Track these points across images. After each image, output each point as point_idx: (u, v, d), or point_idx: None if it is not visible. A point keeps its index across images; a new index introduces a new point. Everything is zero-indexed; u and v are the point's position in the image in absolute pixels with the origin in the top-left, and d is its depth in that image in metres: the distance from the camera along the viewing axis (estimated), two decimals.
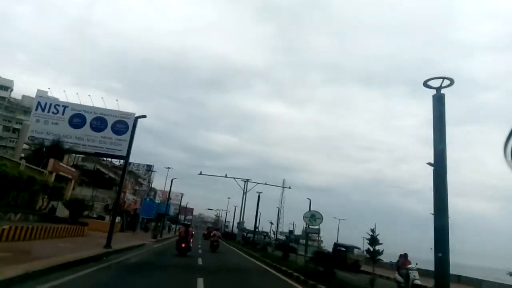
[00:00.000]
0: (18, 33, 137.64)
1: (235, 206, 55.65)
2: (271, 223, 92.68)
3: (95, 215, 34.20)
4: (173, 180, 34.70)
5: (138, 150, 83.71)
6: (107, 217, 35.22)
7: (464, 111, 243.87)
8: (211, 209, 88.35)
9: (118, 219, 35.51)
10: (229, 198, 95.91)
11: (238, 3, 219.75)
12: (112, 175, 41.97)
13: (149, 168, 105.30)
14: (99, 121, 48.45)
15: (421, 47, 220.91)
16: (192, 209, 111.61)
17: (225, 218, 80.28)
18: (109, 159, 49.08)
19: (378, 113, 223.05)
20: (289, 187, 40.49)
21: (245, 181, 41.92)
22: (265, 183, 42.12)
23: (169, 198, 38.02)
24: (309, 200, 38.23)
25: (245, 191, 41.33)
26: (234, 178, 41.72)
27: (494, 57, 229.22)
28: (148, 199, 32.29)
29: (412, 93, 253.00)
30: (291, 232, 73.23)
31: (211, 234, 31.28)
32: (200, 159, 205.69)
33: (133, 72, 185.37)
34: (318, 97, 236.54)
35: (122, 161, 48.96)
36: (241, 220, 43.84)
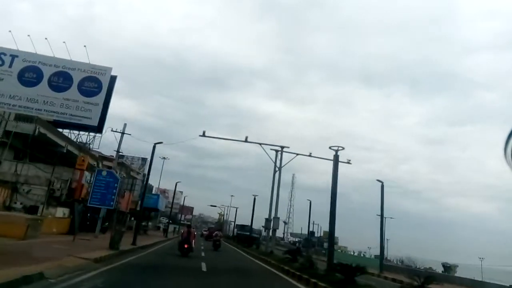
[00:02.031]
0: (16, 31, 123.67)
1: (255, 196, 39.29)
2: (285, 222, 77.63)
3: (19, 205, 18.97)
4: (157, 144, 19.47)
5: (136, 146, 69.20)
6: (51, 209, 19.95)
7: (464, 110, 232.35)
8: (214, 206, 72.82)
9: (64, 212, 20.25)
10: (232, 196, 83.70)
11: (237, 1, 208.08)
12: (72, 149, 26.70)
13: (144, 162, 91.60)
14: (61, 77, 32.76)
15: (421, 46, 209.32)
16: (192, 208, 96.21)
17: (235, 217, 64.08)
18: (76, 131, 33.74)
19: (378, 113, 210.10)
20: (349, 162, 24.54)
21: (277, 151, 25.25)
22: (309, 155, 26.30)
23: (150, 169, 22.46)
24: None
25: (278, 166, 25.06)
26: (260, 144, 25.14)
27: (493, 56, 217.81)
28: (105, 172, 17.20)
29: (412, 93, 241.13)
30: (312, 233, 56.76)
31: (213, 234, 31.49)
32: (199, 158, 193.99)
33: (133, 70, 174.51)
34: (317, 97, 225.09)
35: (95, 134, 33.61)
36: (273, 216, 24.92)
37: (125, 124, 24.40)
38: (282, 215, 77.60)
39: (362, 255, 56.01)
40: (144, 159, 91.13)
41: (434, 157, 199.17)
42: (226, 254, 24.20)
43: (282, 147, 24.94)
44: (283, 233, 78.30)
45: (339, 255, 45.28)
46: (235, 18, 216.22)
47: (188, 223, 51.46)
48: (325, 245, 58.01)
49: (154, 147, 19.51)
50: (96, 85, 33.52)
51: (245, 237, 39.39)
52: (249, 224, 41.23)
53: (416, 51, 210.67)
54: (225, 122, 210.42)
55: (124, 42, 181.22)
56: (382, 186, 22.95)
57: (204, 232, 65.84)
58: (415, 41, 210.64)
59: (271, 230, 24.91)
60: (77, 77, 33.61)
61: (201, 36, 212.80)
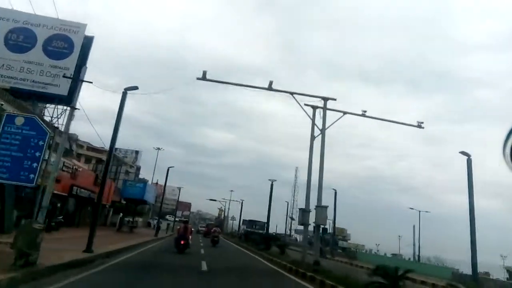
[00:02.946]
0: None
1: (272, 181, 30.90)
2: (292, 218, 70.80)
3: None
4: (129, 90, 12.45)
5: (132, 144, 62.75)
6: None
7: (462, 108, 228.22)
8: (214, 200, 66.03)
9: None
10: (232, 191, 77.71)
11: (236, 0, 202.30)
12: (11, 109, 19.51)
13: (137, 154, 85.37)
14: (22, 35, 25.89)
15: (419, 45, 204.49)
16: (189, 204, 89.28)
17: (240, 213, 56.40)
18: (41, 104, 26.68)
19: (375, 111, 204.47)
20: (420, 125, 16.79)
21: (314, 107, 16.75)
22: (363, 114, 16.65)
23: (120, 119, 14.00)
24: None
25: (319, 127, 16.51)
26: (292, 93, 16.33)
27: (491, 55, 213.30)
28: (22, 119, 10.20)
29: (409, 91, 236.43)
30: (325, 230, 49.09)
31: (212, 230, 32.26)
32: (196, 156, 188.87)
33: (130, 68, 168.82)
34: (315, 94, 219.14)
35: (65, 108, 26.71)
36: (314, 204, 15.51)
37: (85, 68, 17.52)
38: (282, 212, 70.75)
39: (398, 256, 46.52)
40: (137, 152, 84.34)
41: (432, 155, 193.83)
42: (239, 263, 16.92)
43: (326, 99, 16.43)
44: (289, 230, 71.51)
45: (370, 257, 37.58)
46: (233, 17, 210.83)
47: (186, 219, 44.78)
48: (340, 243, 50.78)
49: (124, 94, 12.73)
50: (66, 45, 26.18)
51: (260, 236, 31.20)
52: (261, 220, 33.31)
53: (414, 49, 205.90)
54: (222, 120, 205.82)
55: (121, 40, 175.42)
56: (469, 161, 15.73)
57: (201, 229, 58.52)
58: (412, 39, 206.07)
59: (312, 227, 16.14)
60: (42, 35, 26.28)
61: (199, 34, 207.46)
